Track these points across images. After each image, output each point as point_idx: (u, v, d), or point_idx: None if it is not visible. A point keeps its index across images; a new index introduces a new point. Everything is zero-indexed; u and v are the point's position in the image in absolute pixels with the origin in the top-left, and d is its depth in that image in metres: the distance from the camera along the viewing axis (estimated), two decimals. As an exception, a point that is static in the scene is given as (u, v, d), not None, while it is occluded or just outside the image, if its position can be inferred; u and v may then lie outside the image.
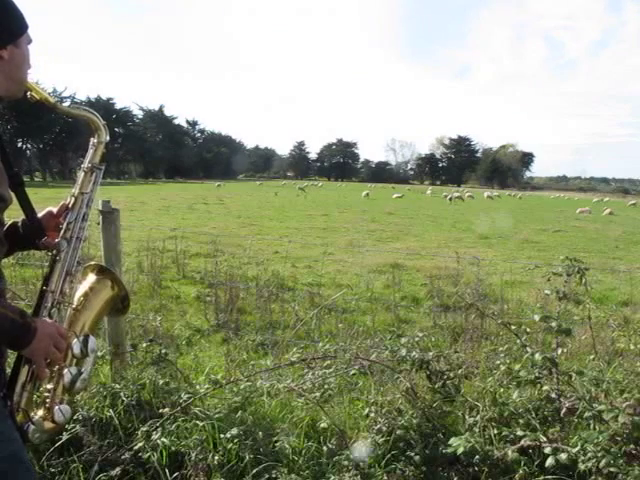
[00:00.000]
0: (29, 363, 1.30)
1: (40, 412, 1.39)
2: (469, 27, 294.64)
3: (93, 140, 1.51)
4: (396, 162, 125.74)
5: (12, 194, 1.32)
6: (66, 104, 1.59)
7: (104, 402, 2.47)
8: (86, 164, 1.50)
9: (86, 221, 1.48)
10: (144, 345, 2.77)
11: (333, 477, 2.06)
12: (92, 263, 1.60)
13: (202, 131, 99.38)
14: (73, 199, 1.48)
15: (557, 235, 15.73)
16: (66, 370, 1.38)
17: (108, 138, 1.53)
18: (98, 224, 2.92)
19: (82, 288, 1.52)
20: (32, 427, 1.32)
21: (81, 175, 1.49)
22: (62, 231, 1.43)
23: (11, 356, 1.41)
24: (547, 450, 1.93)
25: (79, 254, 1.46)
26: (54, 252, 1.42)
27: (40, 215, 1.47)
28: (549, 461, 1.88)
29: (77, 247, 1.45)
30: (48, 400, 1.40)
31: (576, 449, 1.87)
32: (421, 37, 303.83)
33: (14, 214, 1.45)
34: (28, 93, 1.33)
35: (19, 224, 1.44)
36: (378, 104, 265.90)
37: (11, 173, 1.30)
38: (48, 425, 1.38)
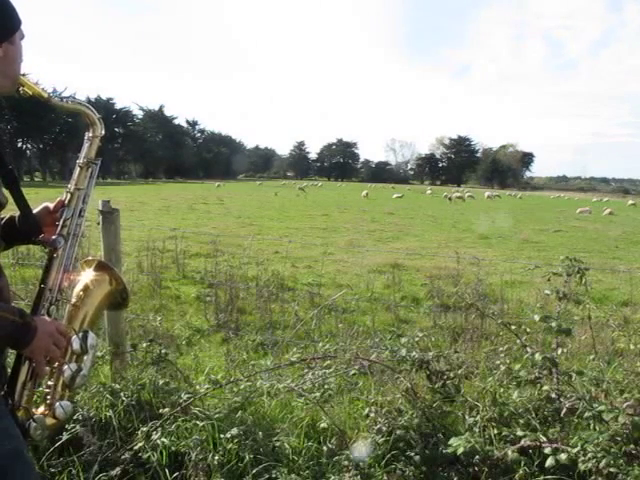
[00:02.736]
0: (29, 361, 1.31)
1: (41, 409, 1.39)
2: (469, 27, 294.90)
3: (88, 134, 1.49)
4: (396, 162, 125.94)
5: (7, 194, 1.31)
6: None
7: (104, 402, 2.47)
8: (82, 159, 1.48)
9: (83, 217, 1.47)
10: (144, 345, 2.76)
11: (333, 477, 2.06)
12: (89, 258, 1.60)
13: (202, 131, 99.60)
14: (69, 195, 1.47)
15: (557, 235, 15.73)
16: (66, 366, 1.39)
17: (103, 132, 1.50)
18: (98, 224, 2.92)
19: (80, 284, 1.51)
20: (33, 424, 1.32)
21: (77, 170, 1.48)
22: (59, 228, 1.43)
23: (11, 355, 1.41)
24: (547, 450, 1.93)
25: (76, 250, 1.45)
26: (51, 249, 1.41)
27: (36, 211, 1.46)
28: (549, 461, 1.88)
29: (74, 244, 1.44)
30: (49, 397, 1.40)
31: (576, 449, 1.87)
32: (421, 37, 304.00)
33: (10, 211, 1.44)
34: (21, 89, 1.32)
35: (17, 219, 1.42)
36: (378, 104, 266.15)
37: (4, 171, 1.29)
38: (49, 421, 1.38)
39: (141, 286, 6.05)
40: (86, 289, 1.51)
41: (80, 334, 1.41)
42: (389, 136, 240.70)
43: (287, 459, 2.20)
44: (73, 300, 1.47)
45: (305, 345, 3.53)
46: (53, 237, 1.41)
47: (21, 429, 1.27)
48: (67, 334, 1.35)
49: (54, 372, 1.40)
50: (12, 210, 1.41)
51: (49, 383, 1.41)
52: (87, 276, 1.54)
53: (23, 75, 1.32)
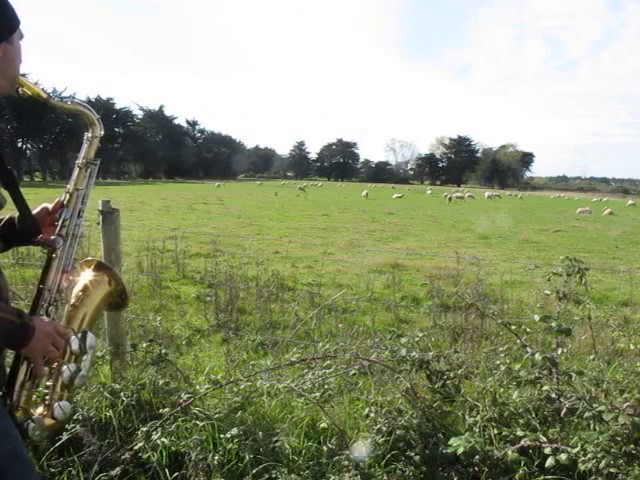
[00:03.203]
0: (27, 361, 1.30)
1: (40, 409, 1.39)
2: (469, 27, 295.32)
3: (87, 135, 1.49)
4: (396, 162, 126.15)
5: (6, 194, 1.31)
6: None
7: (104, 402, 2.47)
8: (81, 160, 1.48)
9: (81, 218, 1.47)
10: (144, 345, 2.76)
11: (333, 477, 2.06)
12: (89, 259, 1.59)
13: (202, 131, 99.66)
14: (68, 195, 1.46)
15: (557, 235, 15.72)
16: (65, 367, 1.38)
17: (102, 132, 1.50)
18: (98, 224, 2.92)
19: (79, 284, 1.51)
20: (32, 424, 1.32)
21: (76, 171, 1.47)
22: (58, 228, 1.43)
23: (10, 355, 1.40)
24: (547, 450, 1.93)
25: (75, 251, 1.45)
26: (50, 249, 1.41)
27: (35, 212, 1.46)
28: (549, 461, 1.88)
29: (73, 244, 1.44)
30: (47, 397, 1.40)
31: (576, 449, 1.87)
32: (421, 37, 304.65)
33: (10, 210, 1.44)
34: (20, 89, 1.32)
35: (16, 220, 1.42)
36: (378, 104, 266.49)
37: (3, 172, 1.29)
38: (48, 422, 1.38)
39: (141, 286, 6.05)
40: (85, 290, 1.51)
41: (79, 334, 1.40)
42: (389, 136, 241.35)
43: (287, 459, 2.19)
44: (72, 300, 1.47)
45: (305, 345, 3.52)
46: (52, 237, 1.41)
47: (20, 429, 1.27)
48: (66, 334, 1.35)
49: (53, 372, 1.40)
50: (11, 211, 1.41)
51: (48, 383, 1.41)
52: (86, 277, 1.54)
53: (23, 75, 1.32)
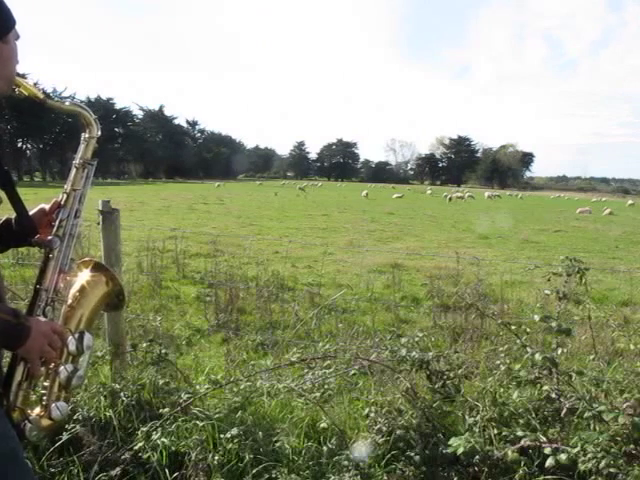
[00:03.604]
0: (24, 362, 1.30)
1: (37, 410, 1.39)
2: (469, 27, 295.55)
3: (84, 135, 1.49)
4: (396, 162, 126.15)
5: (3, 195, 1.31)
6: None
7: (104, 402, 2.47)
8: (77, 160, 1.48)
9: (79, 218, 1.47)
10: (144, 345, 2.76)
11: (333, 477, 2.06)
12: (86, 259, 1.59)
13: (202, 131, 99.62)
14: (65, 196, 1.46)
15: (557, 235, 15.72)
16: (62, 367, 1.38)
17: (99, 133, 1.50)
18: (98, 224, 2.92)
19: (76, 285, 1.51)
20: (29, 425, 1.31)
21: (73, 171, 1.47)
22: (55, 228, 1.42)
23: (7, 355, 1.40)
24: (547, 450, 1.93)
25: (72, 251, 1.44)
26: (47, 250, 1.41)
27: (32, 212, 1.46)
28: (549, 461, 1.88)
29: (70, 244, 1.43)
30: (45, 397, 1.40)
31: (576, 449, 1.87)
32: (421, 37, 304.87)
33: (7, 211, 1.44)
34: (16, 89, 1.31)
35: (13, 221, 1.42)
36: (378, 104, 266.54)
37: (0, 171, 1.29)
38: (45, 422, 1.37)
39: (141, 286, 6.04)
40: (82, 290, 1.50)
41: (76, 335, 1.40)
42: (389, 136, 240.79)
43: (287, 459, 2.19)
44: (69, 301, 1.47)
45: (305, 345, 3.52)
46: (49, 238, 1.41)
47: (17, 430, 1.27)
48: (63, 334, 1.34)
49: (50, 373, 1.39)
50: (8, 211, 1.41)
51: (45, 384, 1.40)
52: (83, 277, 1.53)
53: (22, 76, 1.32)
